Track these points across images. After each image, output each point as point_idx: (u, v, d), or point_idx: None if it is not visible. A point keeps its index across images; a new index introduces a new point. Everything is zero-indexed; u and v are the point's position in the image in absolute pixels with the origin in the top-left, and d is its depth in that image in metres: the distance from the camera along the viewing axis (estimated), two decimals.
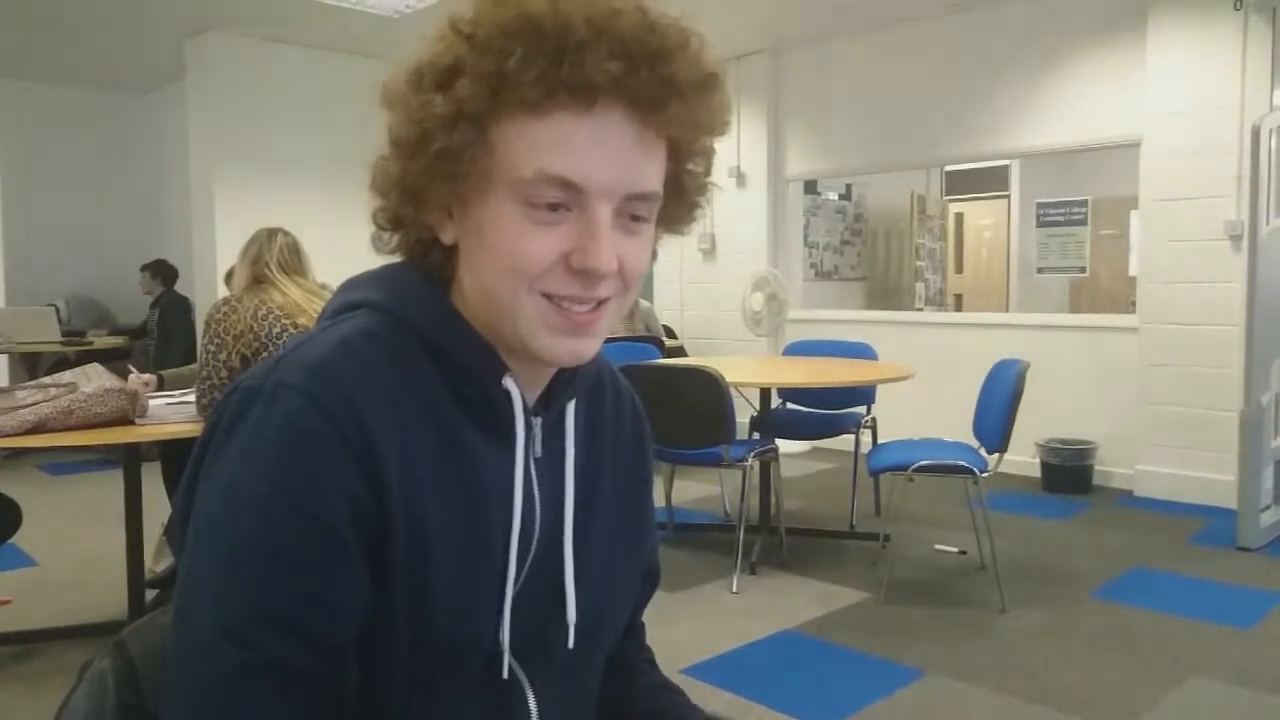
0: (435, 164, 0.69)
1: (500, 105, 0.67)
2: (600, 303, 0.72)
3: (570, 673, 0.83)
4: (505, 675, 0.76)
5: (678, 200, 0.77)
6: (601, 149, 0.67)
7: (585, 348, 0.73)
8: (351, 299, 0.77)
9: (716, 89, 0.72)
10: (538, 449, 0.80)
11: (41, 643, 3.06)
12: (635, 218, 0.71)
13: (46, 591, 3.58)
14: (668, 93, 0.68)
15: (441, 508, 0.72)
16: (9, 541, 2.99)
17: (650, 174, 0.71)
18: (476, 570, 0.74)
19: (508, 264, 0.69)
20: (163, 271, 6.66)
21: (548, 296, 0.70)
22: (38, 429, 2.52)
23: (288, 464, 0.66)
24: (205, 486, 0.69)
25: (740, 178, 6.85)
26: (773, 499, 4.09)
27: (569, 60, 0.65)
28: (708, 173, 0.78)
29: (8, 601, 3.43)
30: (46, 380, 2.73)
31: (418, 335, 0.74)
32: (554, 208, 0.68)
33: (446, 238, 0.74)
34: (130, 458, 3.00)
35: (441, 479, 0.72)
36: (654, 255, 0.79)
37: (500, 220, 0.69)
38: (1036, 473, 5.27)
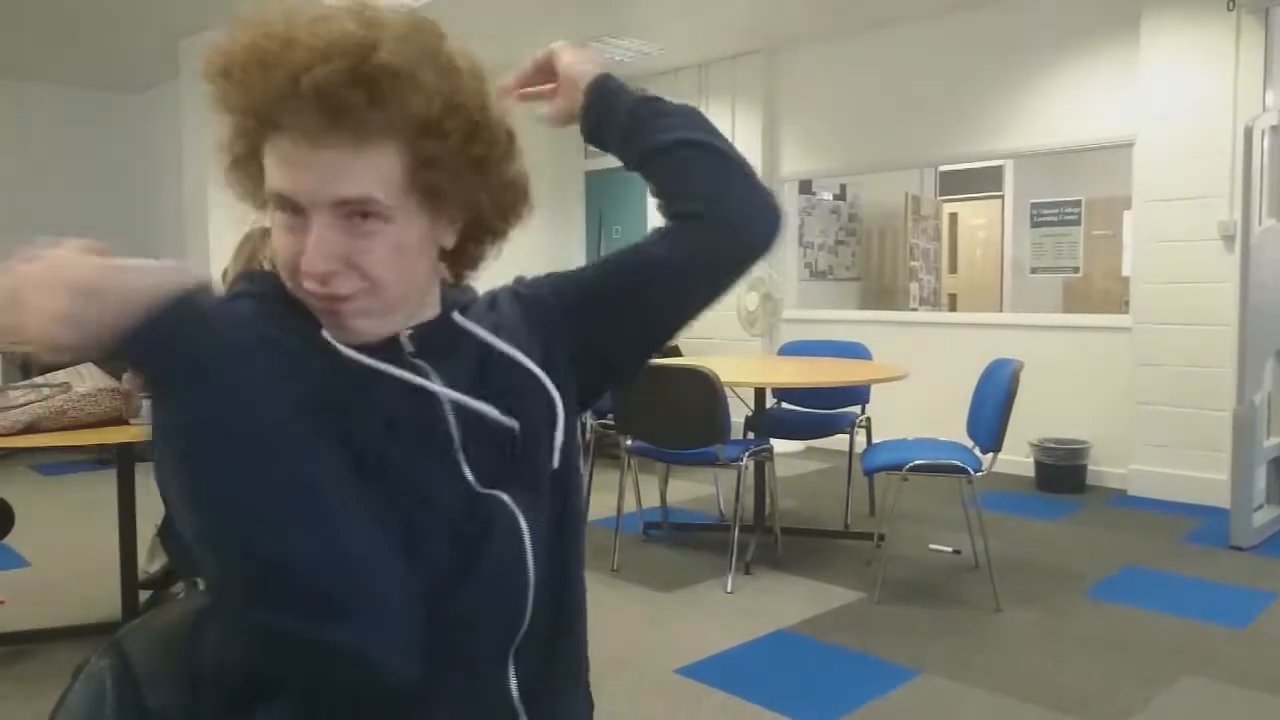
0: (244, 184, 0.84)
1: (257, 137, 0.79)
2: (342, 299, 0.79)
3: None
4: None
5: (445, 187, 0.81)
6: (305, 164, 0.76)
7: (359, 329, 0.81)
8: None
9: (387, 78, 0.76)
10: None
11: (35, 643, 3.05)
12: (365, 216, 0.77)
13: (40, 592, 3.57)
14: (352, 123, 0.75)
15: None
16: (2, 542, 2.98)
17: (353, 179, 0.76)
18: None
19: (278, 260, 0.81)
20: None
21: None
22: (31, 429, 2.52)
23: None
24: None
25: None
26: (767, 499, 4.09)
27: (263, 82, 0.75)
28: (475, 149, 0.82)
29: (1, 602, 3.42)
30: (40, 380, 2.72)
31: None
32: (296, 214, 0.78)
33: None
34: (124, 458, 3.00)
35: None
36: (484, 244, 0.92)
37: (275, 222, 0.80)
38: (1030, 472, 5.28)
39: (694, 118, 1.02)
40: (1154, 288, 4.95)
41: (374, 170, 0.77)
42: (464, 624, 0.80)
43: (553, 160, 7.76)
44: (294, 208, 0.77)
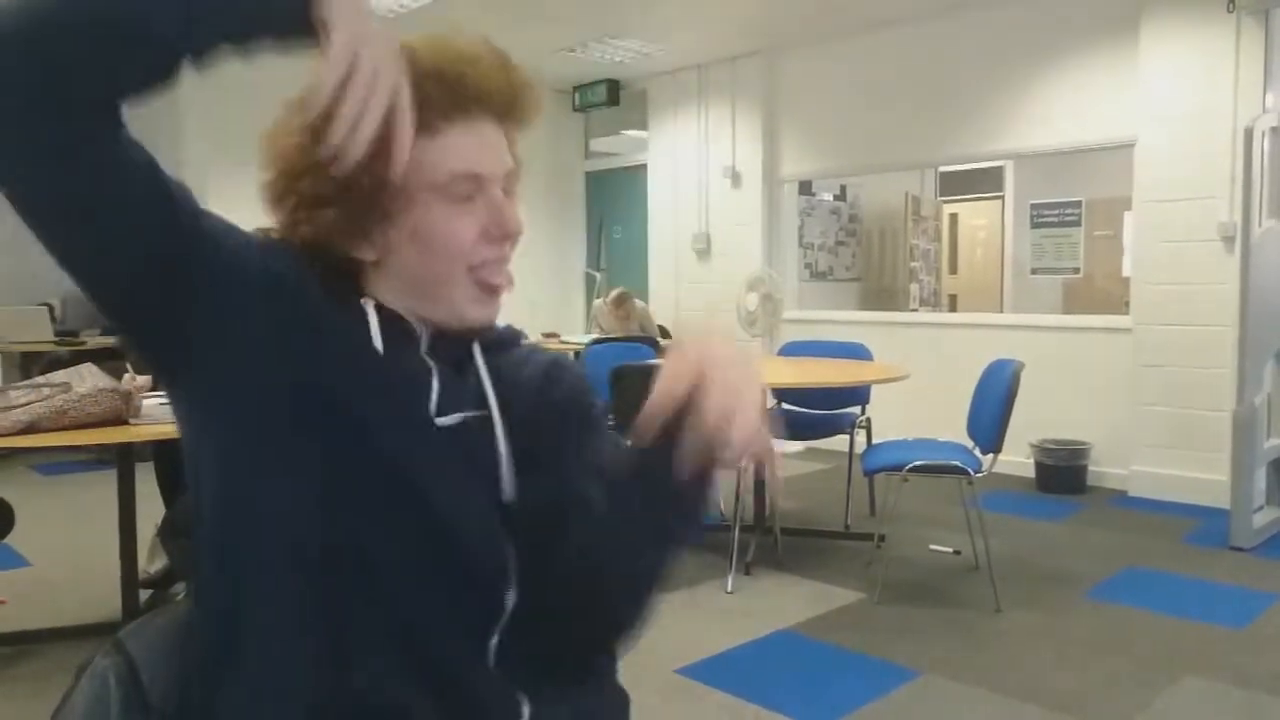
0: (352, 204, 0.85)
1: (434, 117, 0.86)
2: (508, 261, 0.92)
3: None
4: None
5: (517, 173, 0.96)
6: (490, 148, 0.90)
7: (493, 312, 0.93)
8: None
9: (530, 91, 0.95)
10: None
11: (36, 643, 3.05)
12: (512, 185, 0.93)
13: (40, 592, 3.57)
14: (513, 103, 0.92)
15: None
16: (3, 542, 2.98)
17: (509, 158, 0.93)
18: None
19: (448, 246, 0.87)
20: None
21: (473, 269, 0.88)
22: (31, 429, 2.51)
23: None
24: None
25: (735, 178, 6.86)
26: (768, 499, 4.09)
27: (458, 91, 0.87)
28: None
29: (2, 602, 3.42)
30: (40, 380, 2.72)
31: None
32: (467, 199, 0.88)
33: (368, 256, 0.88)
34: (124, 458, 2.99)
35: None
36: None
37: (437, 218, 0.87)
38: (1031, 473, 5.28)
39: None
40: (1154, 288, 4.96)
41: (509, 145, 0.94)
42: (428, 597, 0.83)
43: (553, 160, 7.77)
44: (479, 189, 0.88)
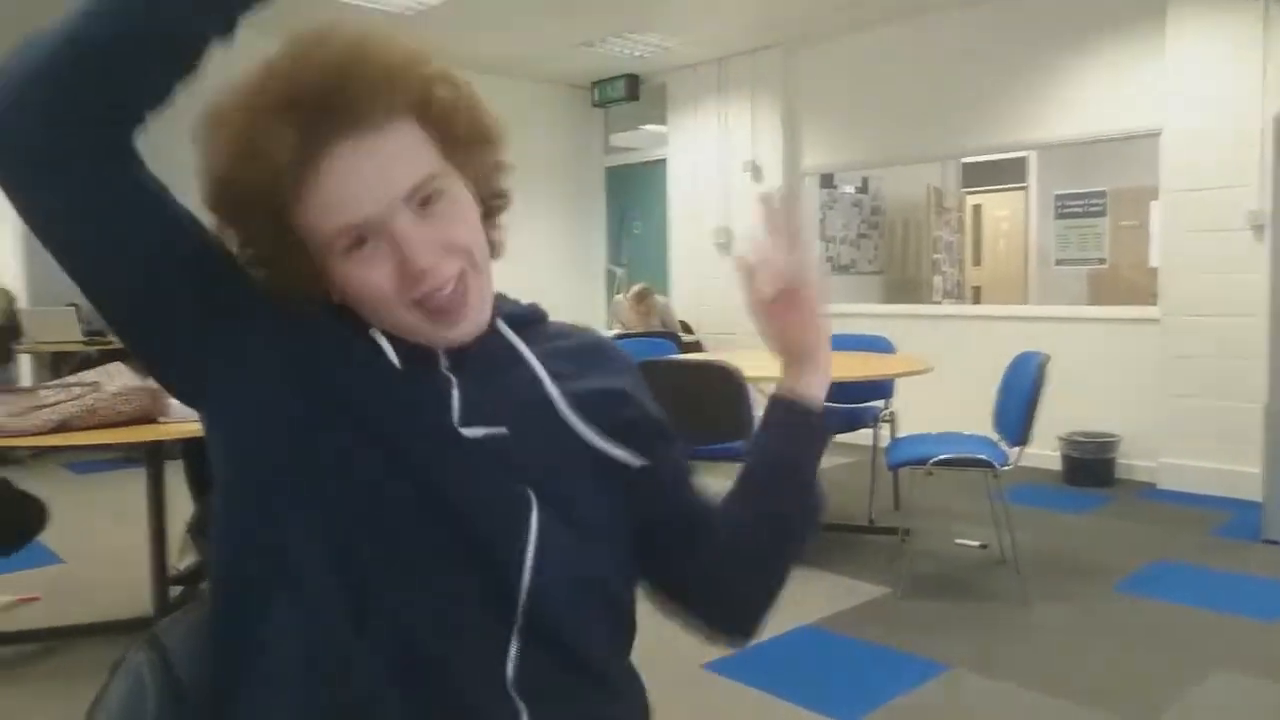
0: (286, 274, 0.81)
1: (282, 204, 0.78)
2: (457, 280, 0.81)
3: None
4: None
5: (469, 150, 0.84)
6: (354, 184, 0.77)
7: (463, 331, 0.84)
8: None
9: (393, 61, 0.79)
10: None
11: (69, 639, 3.09)
12: (427, 200, 0.79)
13: (73, 588, 3.62)
14: (360, 105, 0.77)
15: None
16: (36, 539, 3.03)
17: (405, 165, 0.79)
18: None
19: (372, 299, 0.80)
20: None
21: (417, 302, 0.80)
22: (62, 428, 2.55)
23: None
24: None
25: (755, 171, 6.84)
26: None
27: (288, 146, 0.76)
28: (467, 111, 0.84)
29: (36, 598, 3.47)
30: (70, 379, 2.76)
31: None
32: (360, 243, 0.78)
33: (336, 298, 0.84)
34: (153, 456, 3.03)
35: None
36: (499, 202, 0.90)
37: (343, 274, 0.80)
38: (1058, 466, 5.23)
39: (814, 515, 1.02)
40: (1183, 278, 4.90)
41: (409, 149, 0.79)
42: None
43: (573, 155, 7.78)
44: (367, 232, 0.78)
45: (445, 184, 0.81)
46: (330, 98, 0.76)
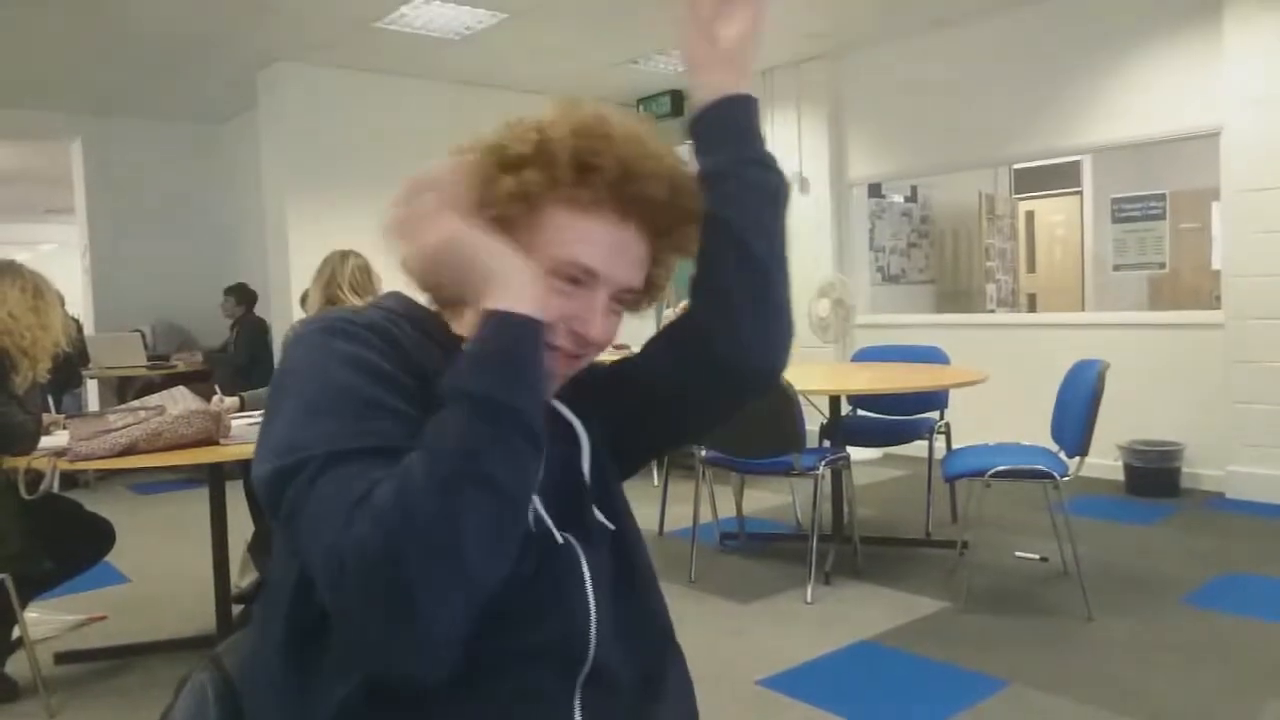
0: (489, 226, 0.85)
1: (554, 198, 0.86)
2: (582, 361, 0.91)
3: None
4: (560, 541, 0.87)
5: (647, 295, 0.96)
6: (623, 254, 0.89)
7: (561, 376, 0.91)
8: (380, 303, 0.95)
9: (697, 222, 0.94)
10: None
11: (135, 657, 3.17)
12: (619, 303, 0.91)
13: (138, 607, 3.71)
14: (675, 224, 0.92)
15: None
16: (103, 560, 3.11)
17: (640, 276, 0.92)
18: None
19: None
20: (244, 295, 6.87)
21: (551, 345, 0.85)
22: (129, 451, 2.62)
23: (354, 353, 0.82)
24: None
25: (803, 183, 6.81)
26: (845, 507, 4.04)
27: (626, 186, 0.86)
28: (669, 277, 0.98)
29: (103, 618, 3.57)
30: (136, 404, 2.83)
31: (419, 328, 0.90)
32: (573, 282, 0.87)
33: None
34: (215, 477, 3.10)
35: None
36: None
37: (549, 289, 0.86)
38: (1120, 476, 5.11)
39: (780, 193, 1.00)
40: (1247, 281, 4.76)
41: (644, 264, 0.93)
42: (516, 629, 0.82)
43: None
44: (583, 280, 0.87)
45: (633, 299, 0.93)
46: (663, 208, 0.89)
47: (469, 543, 0.68)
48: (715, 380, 0.98)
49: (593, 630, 0.85)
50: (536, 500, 0.84)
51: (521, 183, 0.85)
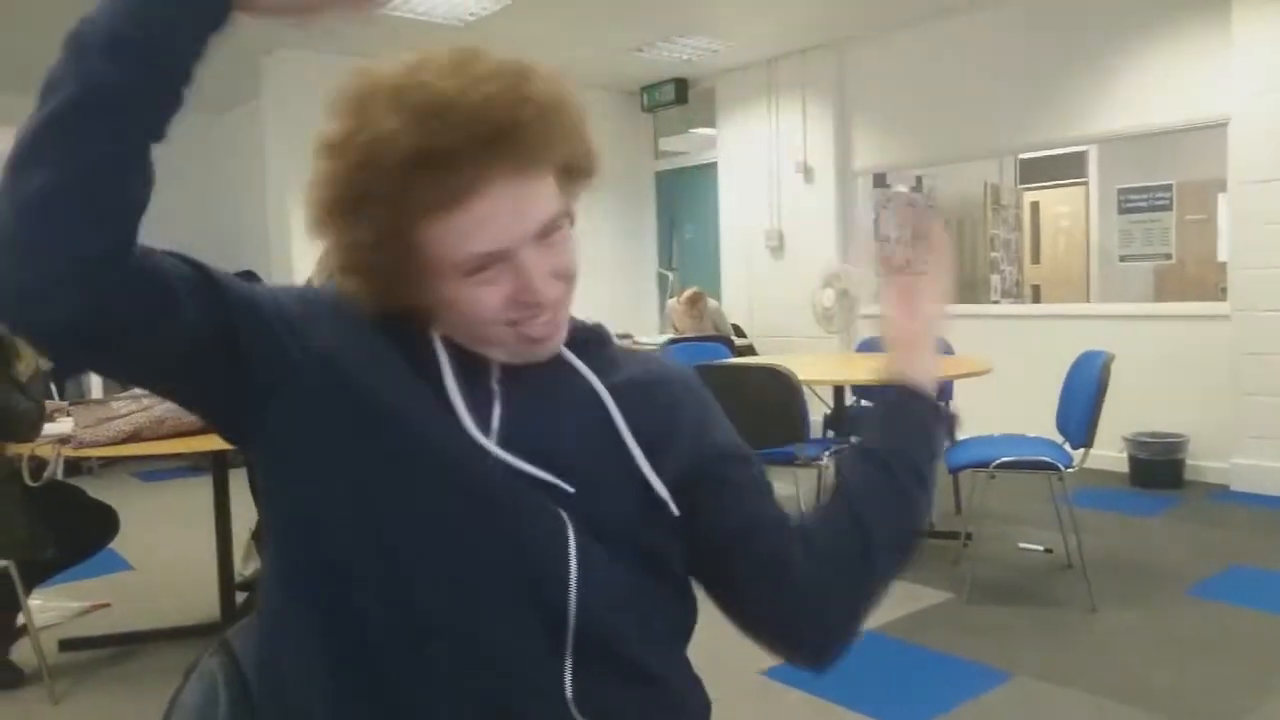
0: (381, 277, 0.82)
1: (414, 216, 0.78)
2: (557, 307, 0.85)
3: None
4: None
5: (576, 173, 0.87)
6: (517, 209, 0.79)
7: (555, 339, 0.88)
8: None
9: (558, 111, 0.81)
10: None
11: (139, 644, 3.18)
12: (552, 231, 0.83)
13: (142, 594, 3.72)
14: (528, 151, 0.79)
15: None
16: (108, 547, 3.11)
17: (544, 204, 0.82)
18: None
19: (479, 316, 0.83)
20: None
21: (513, 323, 0.83)
22: (133, 438, 2.62)
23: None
24: None
25: (808, 173, 6.79)
26: None
27: (447, 169, 0.76)
28: (580, 135, 0.86)
29: (107, 605, 3.57)
30: (139, 390, 2.83)
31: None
32: (483, 268, 0.80)
33: (418, 303, 0.86)
34: (219, 465, 3.10)
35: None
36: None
37: (455, 292, 0.82)
38: (1124, 468, 5.10)
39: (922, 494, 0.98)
40: (1254, 273, 4.74)
41: (549, 191, 0.82)
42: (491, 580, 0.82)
43: (623, 160, 7.79)
44: (495, 260, 0.80)
45: (563, 217, 0.84)
46: (504, 136, 0.77)
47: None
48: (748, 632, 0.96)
49: (572, 582, 0.81)
50: (497, 449, 0.83)
51: (372, 226, 0.79)
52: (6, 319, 0.70)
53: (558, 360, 0.90)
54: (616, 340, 1.00)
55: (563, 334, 0.88)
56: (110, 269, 0.70)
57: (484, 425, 0.84)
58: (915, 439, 0.97)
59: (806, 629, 0.93)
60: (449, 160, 0.75)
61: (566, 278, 0.85)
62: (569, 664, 0.82)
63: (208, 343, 0.79)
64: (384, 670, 0.80)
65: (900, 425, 0.97)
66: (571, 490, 0.84)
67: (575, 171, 0.86)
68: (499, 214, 0.79)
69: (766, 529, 0.92)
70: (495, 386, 0.87)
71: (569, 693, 0.81)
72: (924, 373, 1.01)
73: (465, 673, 0.80)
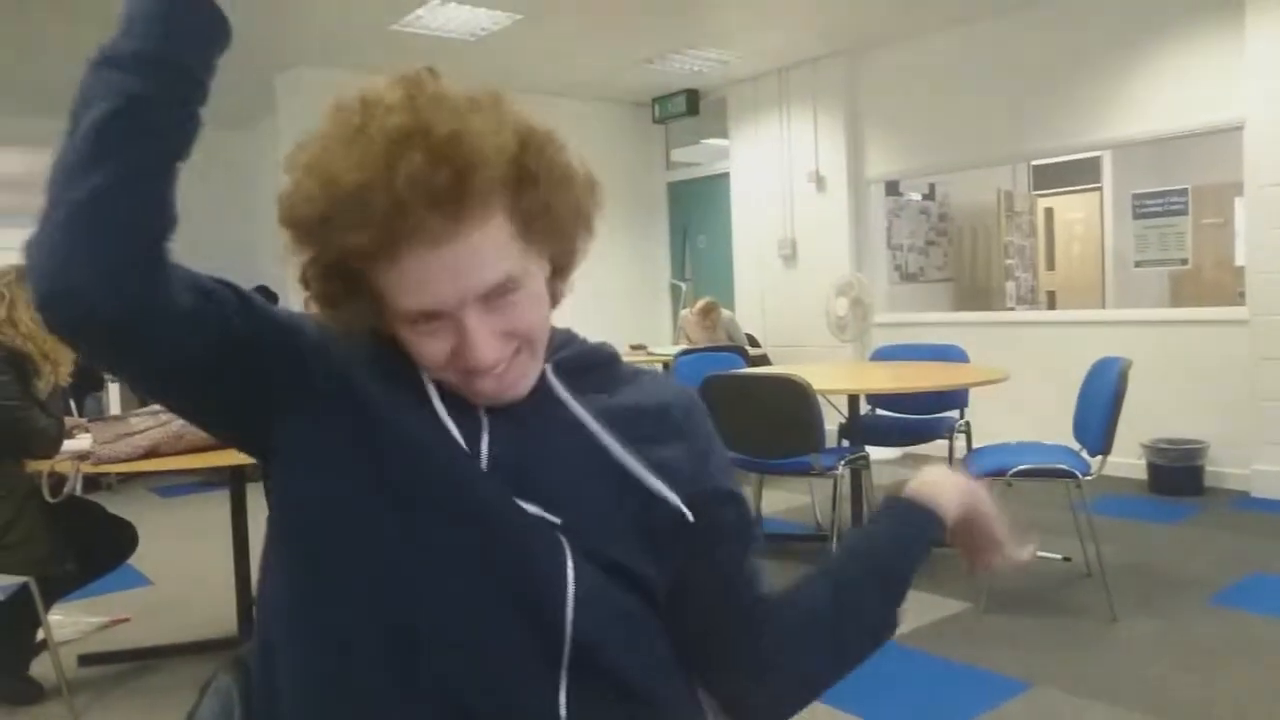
0: (340, 309, 0.84)
1: (353, 259, 0.78)
2: (509, 362, 0.83)
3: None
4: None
5: (551, 233, 0.84)
6: (436, 279, 0.77)
7: (510, 393, 0.85)
8: None
9: (487, 157, 0.76)
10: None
11: (157, 659, 3.19)
12: (505, 292, 0.80)
13: (161, 609, 3.73)
14: (456, 202, 0.75)
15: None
16: (126, 562, 3.13)
17: (490, 266, 0.78)
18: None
19: (422, 364, 0.84)
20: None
21: (465, 372, 0.82)
22: (151, 454, 2.63)
23: None
24: None
25: (820, 182, 6.79)
26: (865, 508, 4.01)
27: (374, 228, 0.75)
28: (564, 183, 0.83)
29: (126, 620, 3.59)
30: (157, 406, 2.85)
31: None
32: (427, 321, 0.79)
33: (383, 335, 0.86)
34: (236, 479, 3.12)
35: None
36: (574, 259, 0.89)
37: (401, 333, 0.82)
38: (1143, 475, 5.06)
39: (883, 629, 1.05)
40: (1272, 277, 4.70)
41: (498, 246, 0.79)
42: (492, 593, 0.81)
43: (634, 171, 7.81)
44: (437, 316, 0.79)
45: (521, 277, 0.81)
46: (427, 211, 0.74)
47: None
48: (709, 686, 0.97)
49: (569, 600, 0.81)
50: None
51: (327, 283, 0.82)
52: (56, 318, 0.73)
53: (542, 392, 0.89)
54: (624, 358, 0.99)
55: (528, 380, 0.87)
56: (156, 269, 0.74)
57: (474, 452, 0.85)
58: (916, 554, 1.03)
59: (760, 696, 0.97)
60: (384, 224, 0.75)
61: (521, 336, 0.83)
62: (564, 683, 0.81)
63: (237, 357, 0.82)
64: (379, 688, 0.80)
65: (910, 542, 1.04)
66: (559, 521, 0.83)
67: (535, 217, 0.81)
68: (430, 276, 0.77)
69: (739, 587, 0.96)
70: (483, 417, 0.87)
71: (563, 711, 0.81)
72: (948, 505, 1.06)
73: (460, 690, 0.79)
